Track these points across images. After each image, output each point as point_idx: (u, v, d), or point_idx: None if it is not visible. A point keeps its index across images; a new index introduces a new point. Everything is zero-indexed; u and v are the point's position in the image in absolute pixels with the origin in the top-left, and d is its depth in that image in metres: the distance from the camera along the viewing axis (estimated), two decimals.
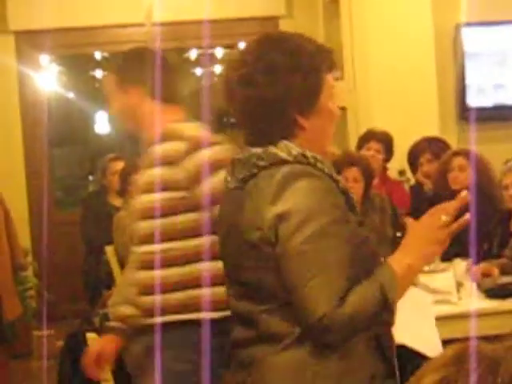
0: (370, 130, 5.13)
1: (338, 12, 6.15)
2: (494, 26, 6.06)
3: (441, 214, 1.83)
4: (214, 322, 2.32)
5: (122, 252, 4.22)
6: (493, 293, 3.46)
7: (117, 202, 5.36)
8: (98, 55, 7.62)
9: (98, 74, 8.12)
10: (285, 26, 6.51)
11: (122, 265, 4.07)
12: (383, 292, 1.75)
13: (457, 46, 6.04)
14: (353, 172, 4.12)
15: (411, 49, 5.73)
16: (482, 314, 3.26)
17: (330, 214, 1.77)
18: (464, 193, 1.85)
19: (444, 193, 4.06)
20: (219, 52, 6.92)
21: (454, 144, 5.26)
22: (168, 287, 2.39)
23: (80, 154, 9.94)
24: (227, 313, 2.07)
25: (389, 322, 1.83)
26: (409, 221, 1.92)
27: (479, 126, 5.47)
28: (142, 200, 2.44)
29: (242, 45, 6.37)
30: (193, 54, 7.53)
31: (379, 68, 5.76)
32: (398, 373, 1.93)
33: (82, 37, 6.78)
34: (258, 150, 1.84)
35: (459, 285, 3.44)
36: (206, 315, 2.34)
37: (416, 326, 3.02)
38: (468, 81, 6.00)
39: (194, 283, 2.38)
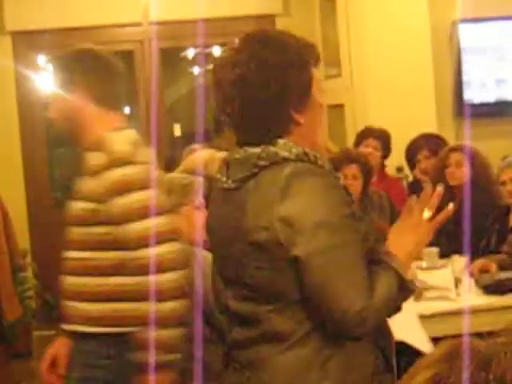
0: (367, 127, 5.13)
1: (334, 9, 6.16)
2: (490, 22, 6.07)
3: (417, 212, 1.87)
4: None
5: None
6: (491, 289, 3.47)
7: None
8: None
9: None
10: (281, 24, 6.49)
11: None
12: (399, 275, 1.81)
13: (453, 42, 6.05)
14: (352, 169, 4.12)
15: (408, 45, 5.73)
16: (480, 310, 3.26)
17: (339, 210, 1.79)
18: (439, 188, 1.89)
19: None
20: (216, 51, 6.89)
21: (451, 140, 5.27)
22: (83, 296, 2.36)
23: (79, 154, 9.89)
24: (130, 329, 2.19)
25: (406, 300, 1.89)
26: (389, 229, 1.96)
27: (479, 122, 5.48)
28: (73, 206, 2.42)
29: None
30: (190, 53, 7.50)
31: (376, 65, 5.76)
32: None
33: (78, 37, 6.76)
34: (256, 150, 1.83)
35: (457, 281, 3.44)
36: (113, 330, 2.31)
37: (405, 323, 3.04)
38: (467, 76, 6.01)
39: (108, 296, 2.33)
